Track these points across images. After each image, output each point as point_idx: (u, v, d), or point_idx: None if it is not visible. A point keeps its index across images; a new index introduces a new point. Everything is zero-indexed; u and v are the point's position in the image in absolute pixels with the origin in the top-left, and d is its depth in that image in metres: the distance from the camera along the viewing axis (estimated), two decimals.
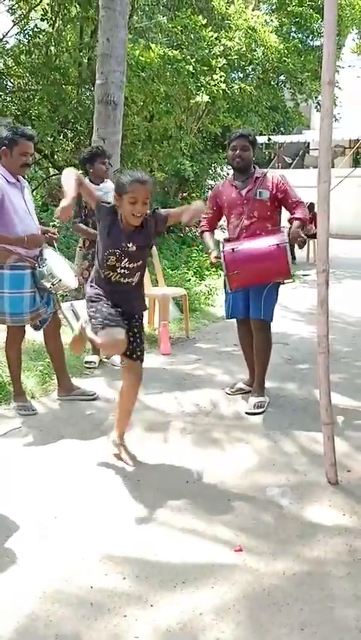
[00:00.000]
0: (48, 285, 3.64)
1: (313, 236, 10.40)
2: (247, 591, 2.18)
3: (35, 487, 2.91)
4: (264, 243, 3.71)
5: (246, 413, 3.87)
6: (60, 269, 3.74)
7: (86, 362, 4.79)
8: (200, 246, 10.21)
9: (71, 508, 2.73)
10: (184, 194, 13.21)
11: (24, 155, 3.65)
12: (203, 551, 2.42)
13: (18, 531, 2.54)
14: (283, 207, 3.95)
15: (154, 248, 6.01)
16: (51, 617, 2.03)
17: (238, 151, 3.86)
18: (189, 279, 8.24)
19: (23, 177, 3.87)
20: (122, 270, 3.01)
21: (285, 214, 4.00)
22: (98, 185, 4.46)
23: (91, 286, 3.11)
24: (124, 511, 2.71)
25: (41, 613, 2.05)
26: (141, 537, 2.52)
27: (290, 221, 3.88)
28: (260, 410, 3.87)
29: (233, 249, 3.70)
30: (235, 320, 4.23)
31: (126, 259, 2.98)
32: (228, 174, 13.07)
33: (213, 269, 4.09)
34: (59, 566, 2.30)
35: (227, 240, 3.87)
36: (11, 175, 3.66)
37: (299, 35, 13.21)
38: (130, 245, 2.96)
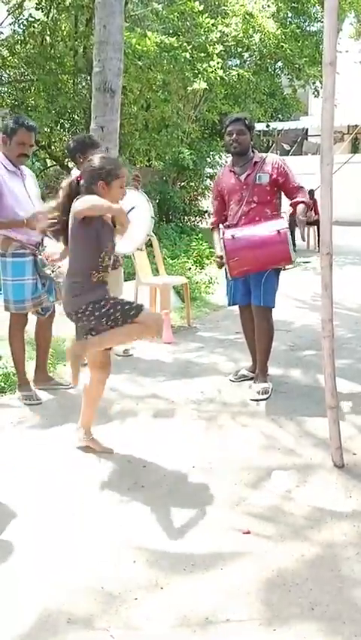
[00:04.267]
0: (49, 272, 3.66)
1: (313, 223, 10.39)
2: (256, 573, 2.20)
3: (42, 475, 2.92)
4: (264, 229, 3.68)
5: (251, 400, 3.88)
6: None
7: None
8: (199, 235, 10.20)
9: (79, 495, 2.74)
10: (182, 183, 13.17)
11: (21, 144, 3.65)
12: (211, 535, 2.43)
13: (26, 520, 2.55)
14: (282, 192, 3.92)
15: (154, 237, 5.99)
16: (63, 601, 2.05)
17: (234, 135, 3.82)
18: (190, 268, 8.23)
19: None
20: (109, 267, 2.95)
21: (285, 201, 3.97)
22: None
23: (87, 292, 2.87)
24: (131, 497, 2.72)
25: (53, 598, 2.06)
26: (149, 522, 2.53)
27: (293, 205, 3.84)
28: (265, 396, 3.88)
29: (233, 236, 3.68)
30: (236, 307, 4.23)
31: (112, 253, 2.94)
32: (226, 162, 13.03)
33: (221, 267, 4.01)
34: (69, 552, 2.31)
35: (227, 227, 3.85)
36: (11, 163, 3.67)
37: (296, 20, 13.10)
38: (114, 238, 2.94)
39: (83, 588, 2.11)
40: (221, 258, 3.95)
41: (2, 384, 4.00)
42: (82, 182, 2.84)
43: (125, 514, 2.59)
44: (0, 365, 4.16)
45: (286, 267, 3.88)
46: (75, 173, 4.37)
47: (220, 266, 4.01)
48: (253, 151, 3.93)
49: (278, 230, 3.61)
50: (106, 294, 2.91)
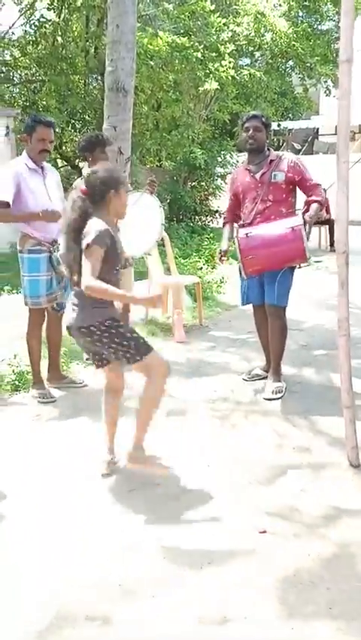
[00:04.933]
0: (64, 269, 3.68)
1: (325, 222, 10.34)
2: (273, 572, 2.19)
3: (56, 472, 2.93)
4: (279, 227, 3.67)
5: (264, 399, 3.87)
6: None
7: None
8: (211, 234, 10.18)
9: (94, 491, 2.75)
10: (193, 183, 13.17)
11: (41, 141, 3.73)
12: (227, 533, 2.43)
13: (42, 516, 2.56)
14: (298, 190, 3.91)
15: (166, 236, 5.99)
16: (80, 599, 2.05)
17: (251, 132, 3.82)
18: (201, 268, 8.21)
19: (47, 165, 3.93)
20: (120, 280, 2.90)
21: (300, 197, 3.95)
22: None
23: (100, 309, 2.74)
24: (146, 494, 2.72)
25: (70, 595, 2.07)
26: (164, 519, 2.53)
27: (307, 204, 3.81)
28: (279, 395, 3.87)
29: (247, 234, 3.68)
30: (249, 307, 4.22)
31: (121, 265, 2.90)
32: (237, 162, 13.01)
33: (221, 262, 4.09)
34: (86, 548, 2.32)
35: (241, 226, 3.85)
36: (33, 162, 3.76)
37: (308, 19, 13.06)
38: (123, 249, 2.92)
39: (101, 585, 2.12)
40: (224, 253, 4.07)
41: (17, 383, 4.02)
42: (89, 196, 2.76)
43: (140, 512, 2.59)
44: (14, 363, 4.17)
45: (302, 265, 3.86)
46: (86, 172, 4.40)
47: (221, 260, 4.13)
48: (268, 149, 3.92)
49: (293, 228, 3.60)
50: (116, 315, 2.79)
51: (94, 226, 2.67)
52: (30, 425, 3.52)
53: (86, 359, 4.52)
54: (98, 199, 2.75)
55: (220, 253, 4.11)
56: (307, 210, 3.79)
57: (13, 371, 4.10)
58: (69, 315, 2.84)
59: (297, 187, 3.86)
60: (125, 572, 2.19)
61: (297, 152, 20.24)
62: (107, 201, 2.75)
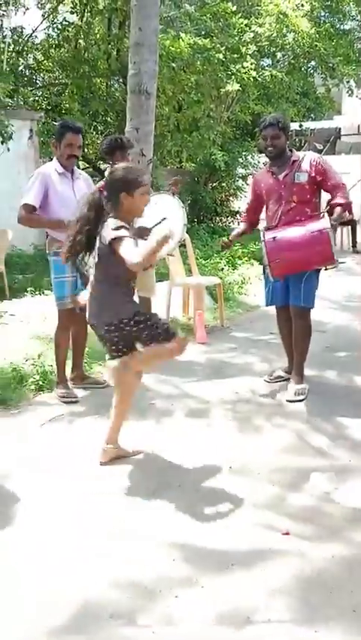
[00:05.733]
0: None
1: (347, 223, 10.27)
2: (296, 574, 2.19)
3: (79, 470, 2.96)
4: (305, 230, 3.65)
5: (286, 401, 3.86)
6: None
7: None
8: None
9: (117, 492, 2.77)
10: (214, 184, 13.17)
11: (69, 146, 3.81)
12: (250, 535, 2.43)
13: (65, 515, 2.58)
14: (322, 190, 3.88)
15: (188, 237, 6.01)
16: (105, 597, 2.07)
17: (268, 140, 3.81)
18: (222, 269, 8.22)
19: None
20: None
21: (325, 198, 3.93)
22: None
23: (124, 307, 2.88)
24: (168, 495, 2.74)
25: (94, 594, 2.09)
26: (187, 521, 2.54)
27: (331, 206, 3.78)
28: (301, 397, 3.85)
29: (274, 238, 3.67)
30: (270, 308, 4.21)
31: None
32: (259, 162, 12.97)
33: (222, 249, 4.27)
34: (110, 548, 2.34)
35: (267, 229, 3.84)
36: (62, 166, 3.83)
37: (331, 19, 12.97)
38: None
39: (125, 584, 2.14)
40: (228, 242, 4.15)
41: (41, 382, 4.06)
42: (105, 193, 2.84)
43: (163, 513, 2.60)
44: (38, 363, 4.22)
45: (328, 267, 3.84)
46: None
47: (223, 248, 4.25)
48: (290, 150, 3.90)
49: (320, 231, 3.58)
50: (138, 307, 2.95)
51: (111, 224, 2.74)
52: (53, 424, 3.55)
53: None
54: (112, 199, 2.80)
55: (224, 242, 4.18)
56: (330, 213, 3.76)
57: (37, 371, 4.15)
58: (90, 312, 2.96)
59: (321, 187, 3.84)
60: (148, 571, 2.20)
61: (319, 152, 20.08)
62: (120, 202, 2.79)
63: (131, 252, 2.67)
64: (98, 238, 2.83)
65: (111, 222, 2.76)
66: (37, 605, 2.04)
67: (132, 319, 2.82)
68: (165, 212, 4.36)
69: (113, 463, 3.03)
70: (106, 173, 4.51)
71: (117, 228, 2.72)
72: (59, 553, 2.32)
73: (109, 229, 2.73)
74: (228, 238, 4.23)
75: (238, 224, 4.35)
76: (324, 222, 3.63)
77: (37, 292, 6.52)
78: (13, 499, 2.71)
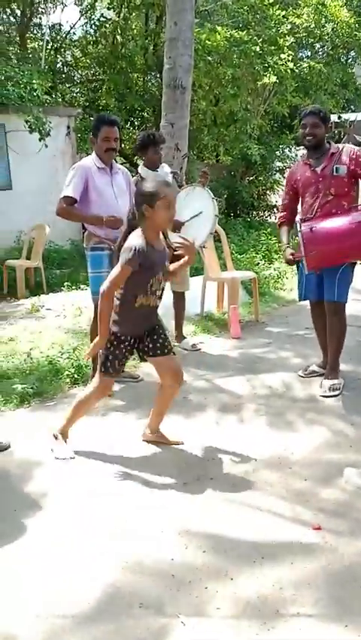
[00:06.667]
0: None
1: None
2: (326, 568, 2.18)
3: (113, 462, 3.00)
4: (345, 221, 3.59)
5: (321, 396, 3.82)
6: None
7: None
8: (268, 229, 10.09)
9: (150, 483, 2.80)
10: (251, 177, 13.08)
11: (106, 139, 3.80)
12: (281, 529, 2.43)
13: (97, 505, 2.63)
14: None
15: (222, 231, 6.00)
16: (135, 586, 2.11)
17: (308, 129, 3.76)
18: (258, 263, 8.16)
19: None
20: (158, 291, 2.96)
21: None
22: (156, 171, 4.45)
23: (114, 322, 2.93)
24: (199, 488, 2.76)
25: (125, 583, 2.13)
26: (217, 512, 2.56)
27: None
28: (335, 393, 3.81)
29: (312, 229, 3.62)
30: (306, 302, 4.16)
31: (162, 277, 2.94)
32: (296, 155, 12.80)
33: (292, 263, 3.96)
34: (139, 539, 2.37)
35: (303, 221, 3.78)
36: (101, 161, 3.84)
37: None
38: (166, 262, 2.96)
39: (155, 574, 2.17)
40: (295, 256, 3.84)
41: (75, 376, 4.13)
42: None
43: (194, 505, 2.62)
44: (73, 357, 4.30)
45: None
46: (141, 170, 4.45)
47: (290, 263, 3.95)
48: (328, 142, 3.85)
49: (360, 222, 3.52)
50: (118, 336, 2.95)
51: (132, 241, 2.79)
52: (88, 417, 3.61)
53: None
54: (138, 211, 2.82)
55: (292, 255, 3.88)
56: None
57: (72, 364, 4.22)
58: None
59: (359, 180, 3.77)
60: (179, 562, 2.23)
61: (358, 144, 19.69)
62: (143, 215, 2.79)
63: (109, 279, 2.80)
64: None
65: (131, 237, 2.82)
66: (69, 593, 2.08)
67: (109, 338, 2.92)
68: (197, 205, 4.37)
69: (146, 453, 3.07)
70: (139, 169, 4.55)
71: (127, 249, 2.76)
72: (89, 541, 2.37)
73: (127, 250, 2.77)
74: (290, 252, 3.91)
75: (279, 228, 4.18)
76: None
77: (73, 287, 6.62)
78: (48, 485, 2.78)
